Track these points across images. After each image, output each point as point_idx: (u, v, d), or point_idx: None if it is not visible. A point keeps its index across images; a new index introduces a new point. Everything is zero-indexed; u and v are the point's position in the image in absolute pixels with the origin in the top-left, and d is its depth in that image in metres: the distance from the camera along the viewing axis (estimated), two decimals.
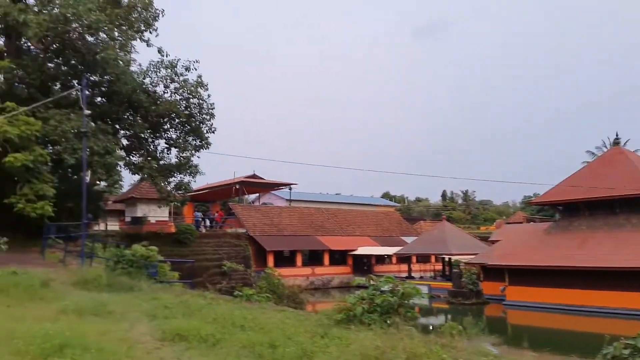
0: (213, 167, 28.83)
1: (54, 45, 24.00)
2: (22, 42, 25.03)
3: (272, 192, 65.00)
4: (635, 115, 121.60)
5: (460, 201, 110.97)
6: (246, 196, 56.84)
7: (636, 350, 7.17)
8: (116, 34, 22.44)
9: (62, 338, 6.68)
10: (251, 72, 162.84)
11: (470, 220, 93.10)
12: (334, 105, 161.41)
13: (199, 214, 42.26)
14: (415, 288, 8.87)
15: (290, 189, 57.20)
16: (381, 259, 50.51)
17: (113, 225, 33.69)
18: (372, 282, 9.26)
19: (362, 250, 47.20)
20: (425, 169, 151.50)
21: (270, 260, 42.23)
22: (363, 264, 48.72)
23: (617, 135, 34.37)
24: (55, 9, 20.43)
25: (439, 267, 47.27)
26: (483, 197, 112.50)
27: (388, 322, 8.54)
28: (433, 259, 51.78)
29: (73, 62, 24.18)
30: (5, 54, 22.38)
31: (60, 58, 24.86)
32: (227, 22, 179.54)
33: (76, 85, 24.51)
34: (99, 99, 25.84)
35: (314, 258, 46.71)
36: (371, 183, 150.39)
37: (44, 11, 20.91)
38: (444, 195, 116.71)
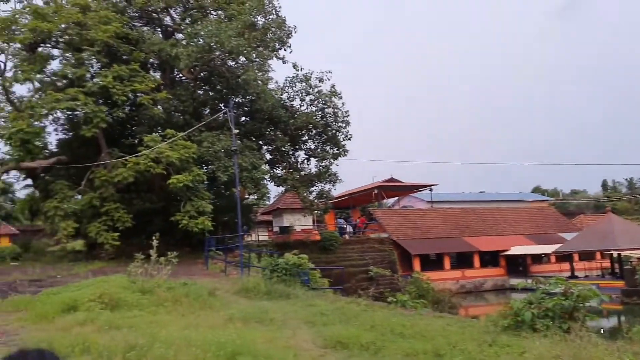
0: (351, 174, 29.28)
1: (202, 74, 26.16)
2: (174, 75, 27.72)
3: (411, 194, 63.93)
4: None
5: (624, 190, 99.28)
6: (384, 200, 56.60)
7: None
8: (254, 55, 23.71)
9: (234, 346, 6.96)
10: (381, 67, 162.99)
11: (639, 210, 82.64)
12: (475, 100, 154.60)
13: (342, 221, 42.94)
14: (592, 290, 7.84)
15: (430, 190, 55.70)
16: (538, 259, 46.73)
17: (263, 236, 35.63)
18: (539, 285, 8.37)
19: (515, 250, 44.11)
20: (583, 158, 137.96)
21: (416, 264, 41.30)
22: (518, 265, 45.48)
23: None
24: (201, 40, 22.17)
25: (606, 264, 42.41)
26: None
27: (563, 327, 7.65)
28: (598, 256, 46.70)
29: (218, 87, 26.14)
30: (162, 87, 24.82)
31: (208, 85, 27.04)
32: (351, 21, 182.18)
33: (223, 108, 26.52)
34: (243, 118, 27.58)
35: (462, 260, 44.70)
36: (518, 178, 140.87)
37: (191, 43, 22.84)
38: (604, 185, 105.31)
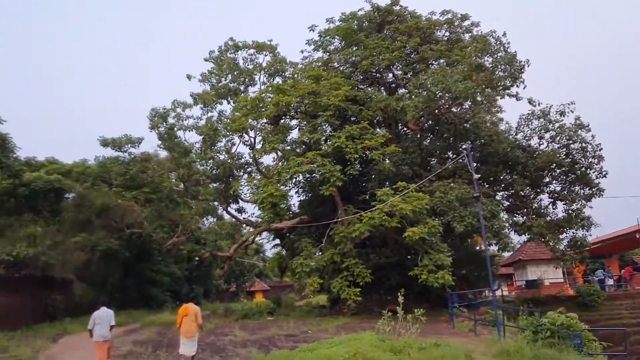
0: (606, 216, 24.84)
1: (427, 124, 25.78)
2: (400, 129, 27.93)
3: None
4: None
5: None
6: None
7: None
8: (480, 97, 22.43)
9: None
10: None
11: None
12: None
13: (600, 272, 36.84)
14: None
15: None
16: None
17: (504, 290, 32.51)
18: None
19: None
20: None
21: None
22: None
23: None
24: (426, 90, 21.87)
25: None
26: None
27: None
28: None
29: (445, 135, 25.33)
30: (389, 142, 25.09)
31: (434, 134, 26.49)
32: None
33: (452, 156, 25.54)
34: (475, 164, 26.09)
35: None
36: None
37: (416, 94, 22.70)
38: None
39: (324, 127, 24.83)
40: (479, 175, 18.74)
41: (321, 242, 23.18)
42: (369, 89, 27.36)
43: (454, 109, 24.43)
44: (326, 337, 14.80)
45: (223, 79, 30.52)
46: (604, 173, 23.72)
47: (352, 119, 25.64)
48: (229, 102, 30.39)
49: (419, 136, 26.89)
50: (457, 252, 24.92)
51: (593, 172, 23.86)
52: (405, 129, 27.84)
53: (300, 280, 22.76)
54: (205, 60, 30.71)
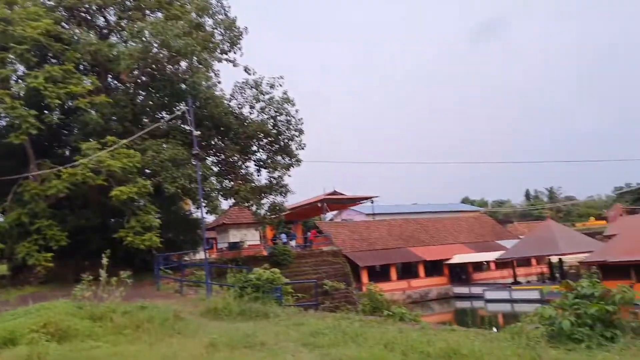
0: (295, 186, 28.09)
1: (143, 78, 24.18)
2: (111, 80, 25.47)
3: (351, 208, 63.71)
4: None
5: (545, 199, 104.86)
6: (323, 215, 55.77)
7: None
8: (205, 56, 22.10)
9: None
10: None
11: (563, 218, 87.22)
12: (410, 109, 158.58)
13: (284, 235, 41.41)
14: (631, 290, 7.14)
15: (372, 202, 55.67)
16: (478, 266, 47.66)
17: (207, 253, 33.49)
18: (568, 288, 7.60)
19: (459, 259, 44.68)
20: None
21: (364, 276, 40.79)
22: (460, 273, 46.11)
23: None
24: (144, 38, 20.36)
25: (544, 269, 43.82)
26: (567, 194, 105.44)
27: (606, 336, 6.88)
28: (534, 262, 48.26)
29: (161, 92, 24.20)
30: (98, 91, 22.64)
31: (149, 90, 25.01)
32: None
33: (166, 115, 24.62)
34: (188, 128, 25.74)
35: (408, 271, 44.69)
36: (446, 189, 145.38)
37: (132, 43, 20.94)
38: (527, 194, 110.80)
39: (15, 63, 20.72)
40: (199, 132, 18.44)
41: (5, 201, 19.50)
42: (77, 31, 24.01)
43: (171, 66, 23.54)
44: (7, 309, 12.47)
45: None
46: (302, 145, 26.35)
47: (54, 60, 22.13)
48: None
49: (132, 91, 24.99)
50: (166, 214, 24.32)
51: (294, 144, 26.25)
52: (117, 81, 25.52)
53: None
54: None
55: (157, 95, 24.65)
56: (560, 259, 37.39)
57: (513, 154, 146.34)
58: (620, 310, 6.94)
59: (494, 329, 9.46)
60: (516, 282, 40.60)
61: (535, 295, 34.82)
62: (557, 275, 38.14)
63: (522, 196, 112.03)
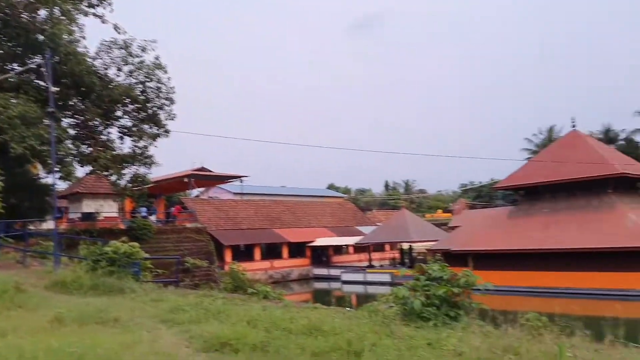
0: (162, 159, 26.74)
1: None
2: None
3: (219, 185, 62.72)
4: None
5: (402, 190, 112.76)
6: (189, 191, 54.24)
7: None
8: (68, 6, 19.94)
9: (78, 356, 5.25)
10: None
11: (415, 209, 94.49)
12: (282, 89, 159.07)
13: (144, 209, 39.36)
14: (473, 275, 7.90)
15: (241, 181, 55.24)
16: (339, 250, 49.88)
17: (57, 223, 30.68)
18: (421, 272, 8.19)
19: (321, 242, 46.29)
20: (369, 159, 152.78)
21: (228, 256, 40.51)
22: (321, 255, 47.87)
23: (573, 121, 35.11)
24: None
25: (396, 255, 47.24)
26: (420, 187, 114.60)
27: (450, 315, 7.55)
28: (387, 247, 51.81)
29: (14, 42, 21.42)
30: None
31: (0, 36, 22.00)
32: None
33: (17, 68, 21.95)
34: (43, 82, 23.15)
35: (272, 251, 45.27)
36: (313, 175, 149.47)
37: None
38: (386, 185, 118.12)
39: None
40: (57, 89, 16.64)
41: None
42: None
43: (27, 14, 20.93)
44: None
45: None
46: (172, 116, 25.12)
47: None
48: None
49: None
50: (10, 177, 21.67)
51: (163, 114, 24.90)
52: None
53: None
54: None
55: (9, 44, 21.79)
56: (410, 245, 40.50)
57: (376, 145, 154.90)
58: (463, 293, 7.62)
59: (348, 308, 9.92)
60: (371, 266, 43.22)
61: (386, 278, 37.40)
62: (407, 260, 41.33)
63: (382, 186, 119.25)
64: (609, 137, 64.95)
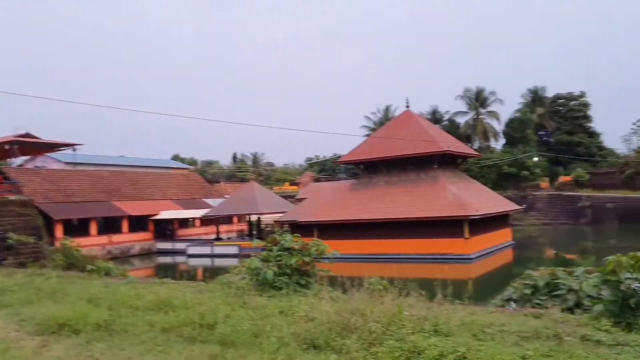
0: None
1: None
2: None
3: (47, 154, 56.62)
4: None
5: (250, 163, 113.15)
6: (11, 159, 48.17)
7: (537, 289, 7.83)
8: None
9: None
10: None
11: (263, 181, 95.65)
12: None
13: None
14: (323, 244, 8.27)
15: (74, 150, 50.42)
16: (184, 223, 48.53)
17: None
18: (274, 242, 8.34)
19: (165, 215, 44.48)
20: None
21: (59, 231, 37.03)
22: (165, 229, 46.17)
23: (407, 101, 38.25)
24: None
25: (244, 227, 47.44)
26: (268, 160, 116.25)
27: (301, 283, 7.85)
28: (235, 219, 51.79)
29: None
30: None
31: None
32: None
33: None
34: None
35: (110, 225, 42.34)
36: (157, 145, 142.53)
37: None
38: (234, 157, 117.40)
39: None
40: None
41: None
42: None
43: None
44: None
45: None
46: None
47: None
48: None
49: None
50: None
51: None
52: None
53: None
54: None
55: None
56: (259, 217, 40.96)
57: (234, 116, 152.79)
58: (313, 262, 7.96)
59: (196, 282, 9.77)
60: (218, 239, 42.86)
61: (234, 250, 37.46)
62: (255, 232, 41.79)
63: (230, 158, 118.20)
64: (435, 117, 72.34)
